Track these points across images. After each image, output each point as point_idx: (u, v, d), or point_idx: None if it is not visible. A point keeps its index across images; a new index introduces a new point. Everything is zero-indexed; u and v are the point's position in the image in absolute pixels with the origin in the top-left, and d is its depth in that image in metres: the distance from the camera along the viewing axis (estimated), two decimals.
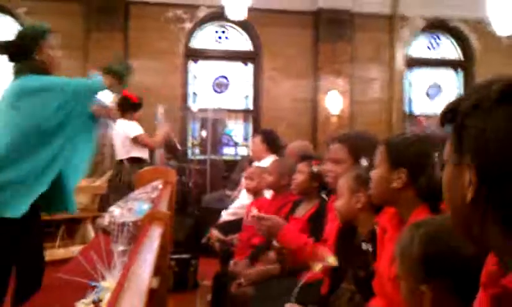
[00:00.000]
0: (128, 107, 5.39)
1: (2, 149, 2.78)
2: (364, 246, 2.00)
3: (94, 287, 1.96)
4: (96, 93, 3.10)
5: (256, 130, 9.58)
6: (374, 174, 1.89)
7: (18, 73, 2.96)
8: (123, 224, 3.36)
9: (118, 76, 3.14)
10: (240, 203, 4.34)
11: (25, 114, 2.83)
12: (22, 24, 9.36)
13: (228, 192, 6.52)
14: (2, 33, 9.56)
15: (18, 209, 2.75)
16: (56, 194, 2.96)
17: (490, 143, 0.86)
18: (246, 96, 10.09)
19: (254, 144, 4.83)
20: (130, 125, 5.30)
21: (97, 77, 3.15)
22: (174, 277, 4.23)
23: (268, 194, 3.70)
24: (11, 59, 3.00)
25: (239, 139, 10.09)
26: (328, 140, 2.57)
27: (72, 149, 2.97)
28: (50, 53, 3.03)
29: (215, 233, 3.79)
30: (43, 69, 2.99)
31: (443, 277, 1.22)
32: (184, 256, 4.55)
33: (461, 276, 1.19)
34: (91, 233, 6.07)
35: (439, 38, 10.60)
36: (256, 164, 4.39)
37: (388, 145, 1.87)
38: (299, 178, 2.95)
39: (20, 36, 3.04)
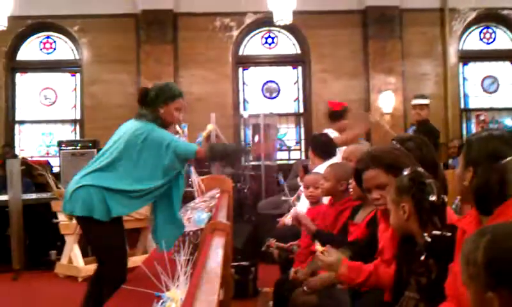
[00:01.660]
0: (331, 116, 5.65)
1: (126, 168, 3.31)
2: (424, 254, 1.97)
3: (159, 297, 1.98)
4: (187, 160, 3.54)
5: (307, 133, 9.55)
6: (455, 171, 1.89)
7: (142, 117, 3.42)
8: (183, 234, 3.42)
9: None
10: (300, 209, 4.30)
11: (139, 156, 3.31)
12: (74, 40, 9.65)
13: (283, 198, 6.50)
14: (58, 53, 9.89)
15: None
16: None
17: None
18: (296, 100, 10.07)
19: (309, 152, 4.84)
20: None
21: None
22: (234, 284, 4.24)
23: (326, 199, 3.66)
24: (141, 102, 3.46)
25: (292, 143, 10.08)
26: (358, 166, 2.47)
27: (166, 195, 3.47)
28: (174, 113, 3.46)
29: (274, 240, 3.77)
30: (163, 123, 3.44)
31: (510, 284, 1.18)
32: (244, 263, 4.56)
33: None
34: (152, 242, 6.16)
35: (492, 30, 10.28)
36: (314, 170, 4.35)
37: (466, 142, 1.86)
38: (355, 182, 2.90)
39: (157, 89, 3.48)
